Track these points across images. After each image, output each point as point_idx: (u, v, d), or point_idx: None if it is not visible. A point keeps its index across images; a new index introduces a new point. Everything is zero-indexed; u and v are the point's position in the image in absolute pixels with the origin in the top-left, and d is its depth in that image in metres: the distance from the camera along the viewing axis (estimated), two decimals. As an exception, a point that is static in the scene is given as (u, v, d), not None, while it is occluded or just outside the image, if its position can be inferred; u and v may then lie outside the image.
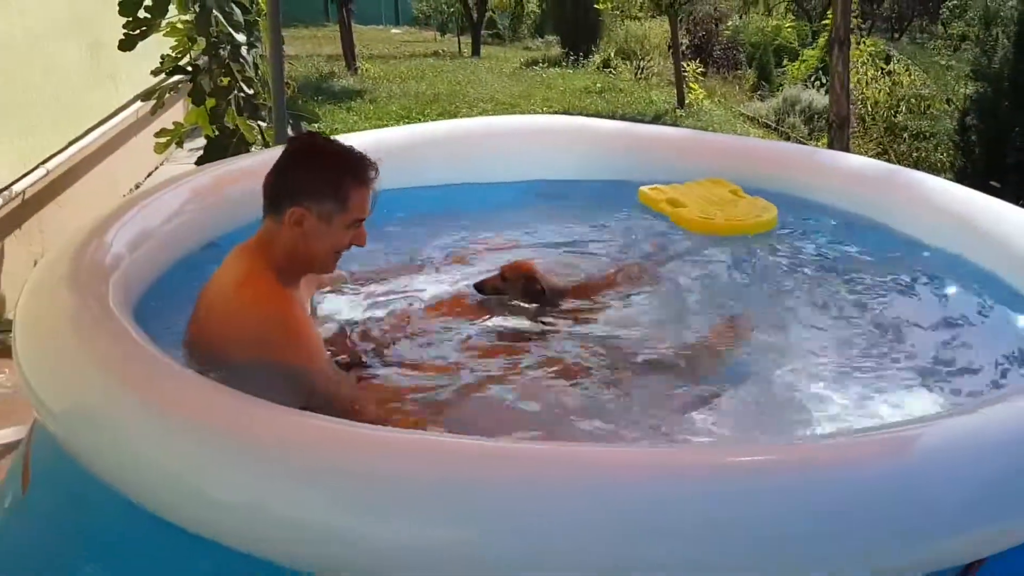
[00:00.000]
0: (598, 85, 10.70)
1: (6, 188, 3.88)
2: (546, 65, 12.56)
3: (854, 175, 3.28)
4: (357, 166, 2.04)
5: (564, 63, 12.58)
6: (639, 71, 11.68)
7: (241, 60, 4.57)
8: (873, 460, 1.52)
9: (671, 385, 2.19)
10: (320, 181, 2.01)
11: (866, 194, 3.19)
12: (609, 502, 1.35)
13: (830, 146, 5.81)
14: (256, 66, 4.73)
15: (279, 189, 2.04)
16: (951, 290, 2.78)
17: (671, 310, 2.59)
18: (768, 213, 3.12)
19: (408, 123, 8.44)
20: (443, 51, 14.19)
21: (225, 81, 4.61)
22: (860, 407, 2.14)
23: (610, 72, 11.89)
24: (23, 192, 4.08)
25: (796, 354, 2.36)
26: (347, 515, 1.38)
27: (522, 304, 2.47)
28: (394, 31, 21.79)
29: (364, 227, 2.08)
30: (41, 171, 4.26)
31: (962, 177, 6.68)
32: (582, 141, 3.72)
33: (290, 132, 4.87)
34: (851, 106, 9.22)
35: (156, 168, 6.25)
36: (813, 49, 13.04)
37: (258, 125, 4.61)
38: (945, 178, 6.99)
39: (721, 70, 12.27)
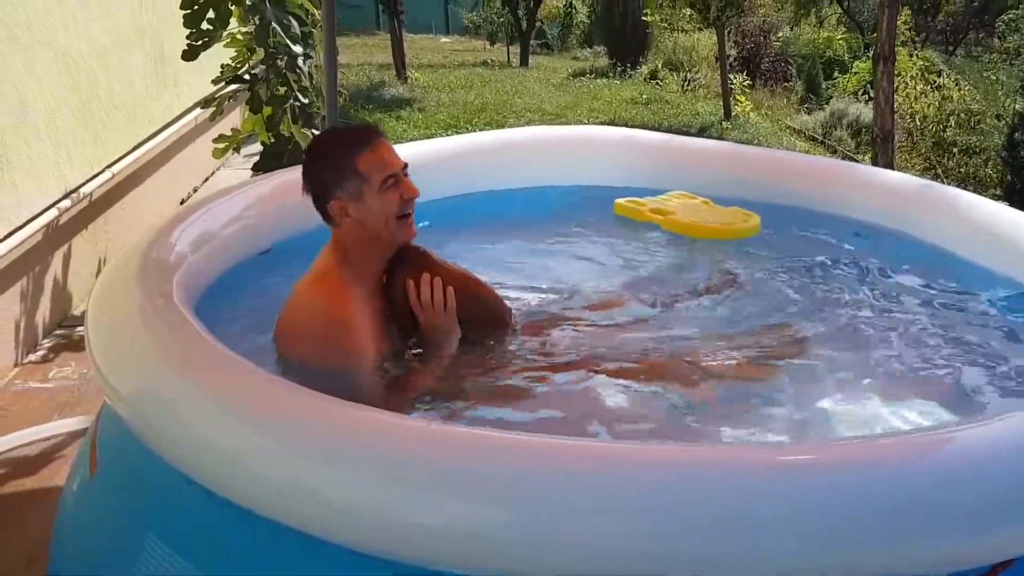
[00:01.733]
0: (644, 96, 10.76)
1: (75, 190, 4.09)
2: (593, 76, 12.66)
3: (889, 191, 3.32)
4: (352, 138, 2.12)
5: (611, 74, 12.67)
6: (686, 83, 11.72)
7: (297, 70, 4.73)
8: (900, 461, 1.55)
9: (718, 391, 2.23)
10: (331, 170, 2.10)
11: (900, 209, 3.24)
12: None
13: (874, 161, 5.82)
14: (311, 76, 4.90)
15: (314, 198, 2.15)
16: (980, 303, 2.81)
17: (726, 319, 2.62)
18: (753, 219, 3.23)
19: (456, 132, 8.60)
20: (492, 60, 14.37)
21: (282, 90, 4.79)
22: (887, 415, 2.20)
23: (657, 83, 11.95)
24: (91, 194, 4.29)
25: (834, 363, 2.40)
26: (384, 495, 1.48)
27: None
28: (444, 40, 22.05)
29: (406, 178, 2.12)
30: (107, 175, 4.46)
31: (1010, 193, 6.63)
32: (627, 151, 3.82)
33: (342, 140, 5.06)
34: (897, 120, 9.20)
35: (213, 173, 6.47)
36: (864, 62, 12.97)
37: (312, 133, 4.77)
38: (992, 195, 6.97)
39: (769, 83, 12.24)
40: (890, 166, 5.56)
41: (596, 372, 2.19)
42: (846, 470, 1.49)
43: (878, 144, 5.64)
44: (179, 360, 1.77)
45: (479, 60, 14.36)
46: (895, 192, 3.34)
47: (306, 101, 4.76)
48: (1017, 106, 7.15)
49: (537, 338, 2.33)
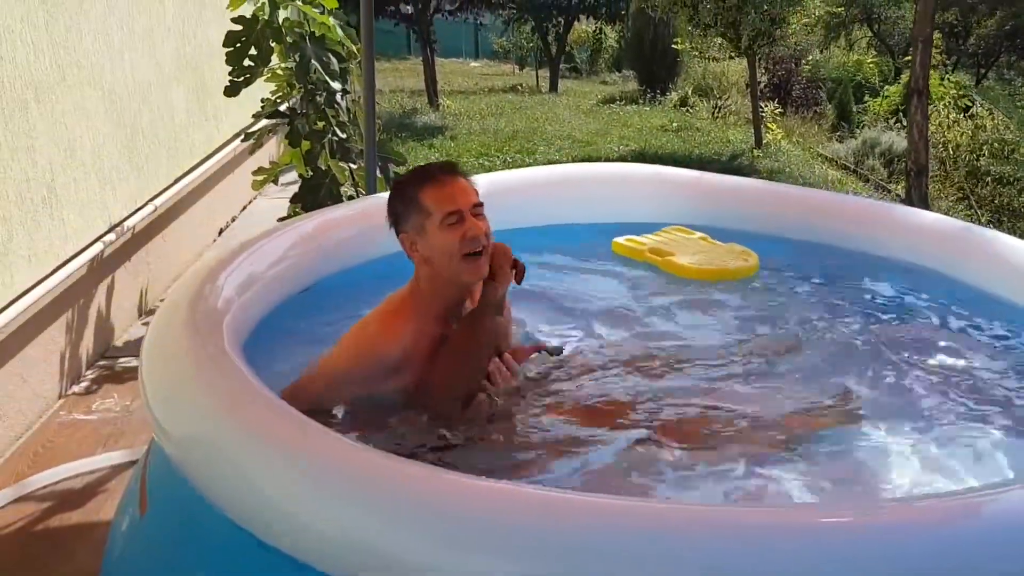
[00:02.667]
0: (674, 123, 10.80)
1: (119, 224, 4.19)
2: (623, 102, 12.72)
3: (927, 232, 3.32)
4: (424, 172, 2.19)
5: (641, 100, 12.72)
6: (716, 110, 11.74)
7: (335, 106, 4.83)
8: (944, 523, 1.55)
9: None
10: (402, 203, 2.17)
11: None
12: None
13: (907, 193, 5.80)
14: (349, 111, 5.00)
15: (393, 229, 2.21)
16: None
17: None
18: (752, 258, 3.23)
19: (487, 159, 8.67)
20: (521, 85, 14.48)
21: (320, 125, 4.89)
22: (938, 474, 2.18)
23: (687, 110, 11.98)
24: (134, 227, 4.40)
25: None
26: (433, 553, 1.51)
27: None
28: (473, 64, 22.28)
29: (472, 217, 2.12)
30: (150, 207, 4.57)
31: (1047, 224, 6.56)
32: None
33: (378, 174, 5.14)
34: (930, 151, 9.15)
35: (250, 201, 6.59)
36: (895, 85, 12.90)
37: (349, 167, 4.86)
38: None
39: (800, 109, 12.22)
40: (924, 199, 5.55)
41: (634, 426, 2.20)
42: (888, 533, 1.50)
43: (912, 178, 5.62)
44: (226, 404, 1.82)
45: (508, 85, 14.50)
46: (932, 233, 3.33)
47: (343, 136, 4.86)
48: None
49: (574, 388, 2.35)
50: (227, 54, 4.53)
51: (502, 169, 7.89)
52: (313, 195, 4.94)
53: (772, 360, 2.54)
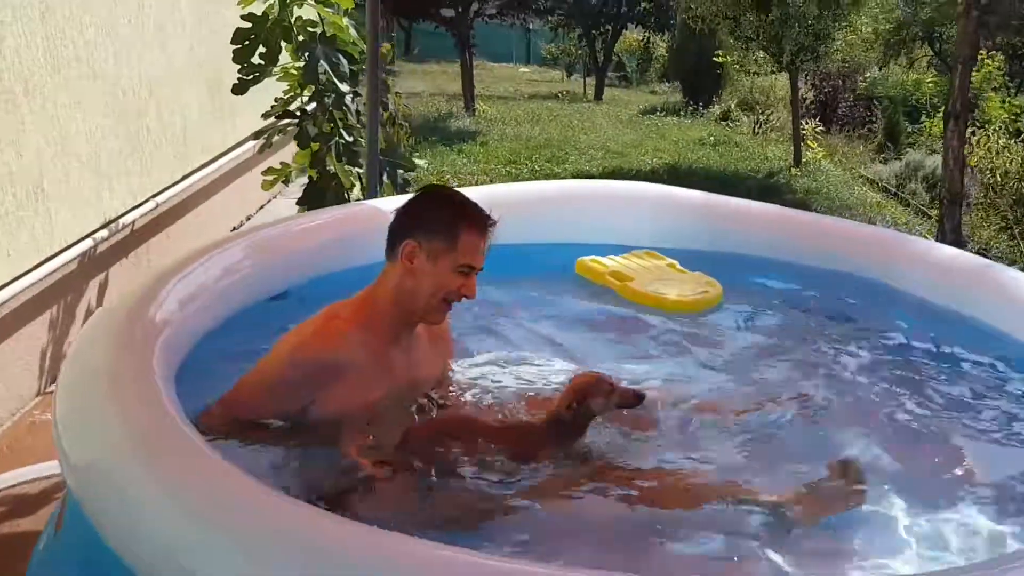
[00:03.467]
0: (712, 137, 10.57)
1: (115, 220, 4.14)
2: (664, 113, 12.51)
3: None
4: (473, 212, 2.16)
5: (683, 112, 12.49)
6: (758, 125, 11.48)
7: (344, 108, 4.74)
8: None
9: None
10: (434, 219, 2.14)
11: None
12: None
13: (940, 223, 5.54)
14: (359, 114, 4.90)
15: (398, 226, 2.18)
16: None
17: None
18: (714, 289, 3.08)
19: (514, 168, 8.55)
20: (568, 92, 14.35)
21: (328, 128, 4.80)
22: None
23: (729, 124, 11.73)
24: (132, 223, 4.35)
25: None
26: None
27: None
28: (523, 69, 22.22)
29: (475, 280, 2.15)
30: (151, 204, 4.52)
31: (1094, 260, 6.23)
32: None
33: (385, 179, 5.04)
34: (976, 175, 8.79)
35: (268, 202, 6.54)
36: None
37: (356, 171, 4.77)
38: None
39: (844, 128, 11.89)
40: (957, 229, 5.29)
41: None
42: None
43: (945, 206, 5.37)
44: (139, 442, 1.70)
45: (555, 91, 14.36)
46: (943, 269, 3.12)
47: (350, 139, 4.77)
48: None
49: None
50: (234, 51, 4.46)
51: (529, 178, 7.77)
52: (319, 198, 4.86)
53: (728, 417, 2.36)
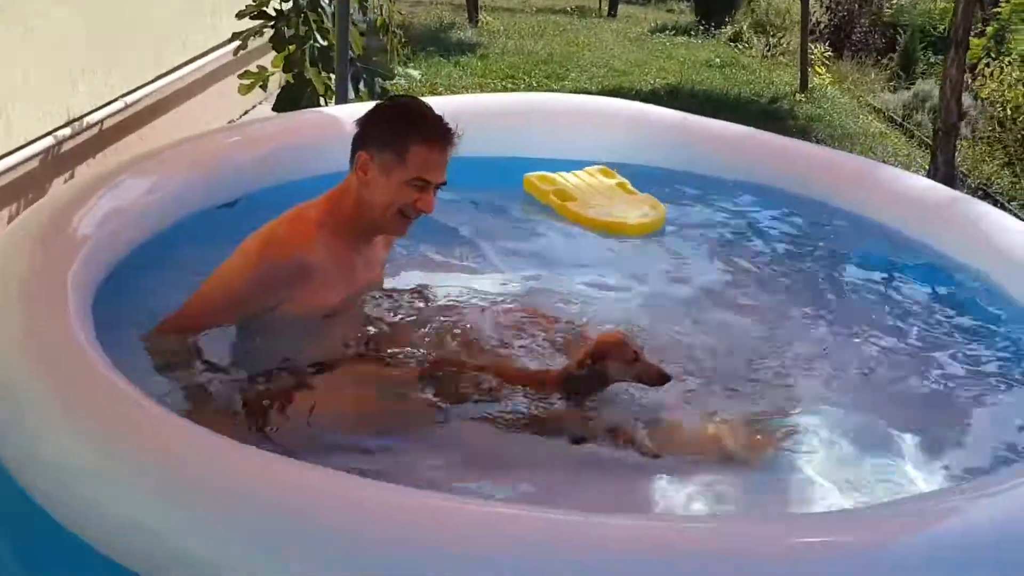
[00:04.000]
0: (719, 59, 10.27)
1: (79, 119, 4.05)
2: (674, 33, 12.14)
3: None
4: (427, 125, 2.13)
5: (694, 32, 12.13)
6: (768, 48, 11.13)
7: (319, 10, 4.60)
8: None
9: None
10: (387, 131, 2.13)
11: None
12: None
13: (934, 155, 5.40)
14: (336, 17, 4.75)
15: (356, 138, 2.19)
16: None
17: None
18: (656, 212, 3.01)
19: (512, 82, 8.34)
20: (584, 6, 13.88)
21: (303, 30, 4.66)
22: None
23: (739, 46, 11.38)
24: (101, 123, 4.26)
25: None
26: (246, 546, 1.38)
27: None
28: (542, -20, 21.52)
29: (433, 194, 2.14)
30: (120, 104, 4.42)
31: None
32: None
33: (362, 87, 4.91)
34: (987, 108, 8.53)
35: (254, 107, 6.39)
36: (980, 39, 11.94)
37: (329, 78, 4.64)
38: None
39: (859, 54, 11.51)
40: (950, 162, 5.15)
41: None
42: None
43: (939, 137, 5.21)
44: (39, 359, 1.66)
45: (572, 4, 13.88)
46: (910, 199, 3.03)
47: (325, 43, 4.63)
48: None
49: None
50: (204, -53, 4.30)
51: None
52: (293, 103, 4.76)
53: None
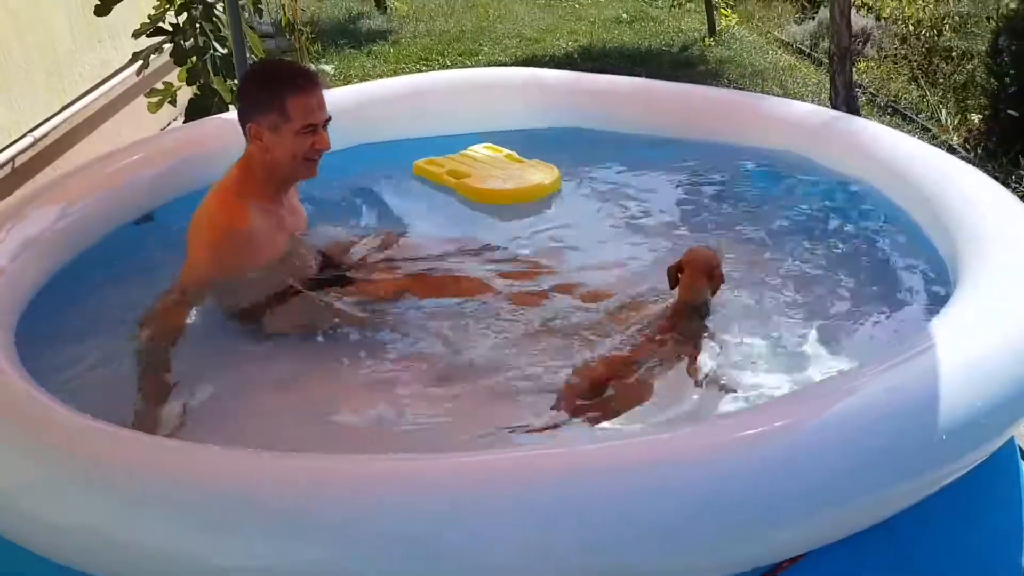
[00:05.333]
0: (627, 15, 10.39)
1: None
2: (584, -8, 12.22)
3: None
4: (290, 78, 2.40)
5: (603, -11, 12.22)
6: (675, -2, 11.28)
7: (214, 19, 4.62)
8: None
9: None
10: (262, 97, 2.41)
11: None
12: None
13: (832, 80, 5.57)
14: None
15: (240, 113, 2.47)
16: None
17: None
18: (551, 175, 3.11)
19: (426, 64, 8.38)
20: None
21: (202, 41, 4.69)
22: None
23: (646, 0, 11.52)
24: (13, 160, 4.27)
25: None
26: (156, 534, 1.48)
27: None
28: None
29: (325, 132, 2.42)
30: (28, 139, 4.42)
31: (995, 102, 6.31)
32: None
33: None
34: (889, 26, 8.76)
35: (167, 126, 6.39)
36: None
37: (233, 86, 4.67)
38: (978, 103, 6.66)
39: (763, -9, 11.70)
40: (848, 84, 5.33)
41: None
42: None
43: (835, 62, 5.39)
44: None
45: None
46: (799, 124, 3.18)
47: (224, 51, 4.66)
48: (1004, 9, 6.76)
49: None
50: (87, -29, 4.31)
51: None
52: (203, 115, 4.77)
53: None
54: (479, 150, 3.36)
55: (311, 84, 2.40)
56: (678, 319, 2.14)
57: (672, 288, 2.19)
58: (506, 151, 3.33)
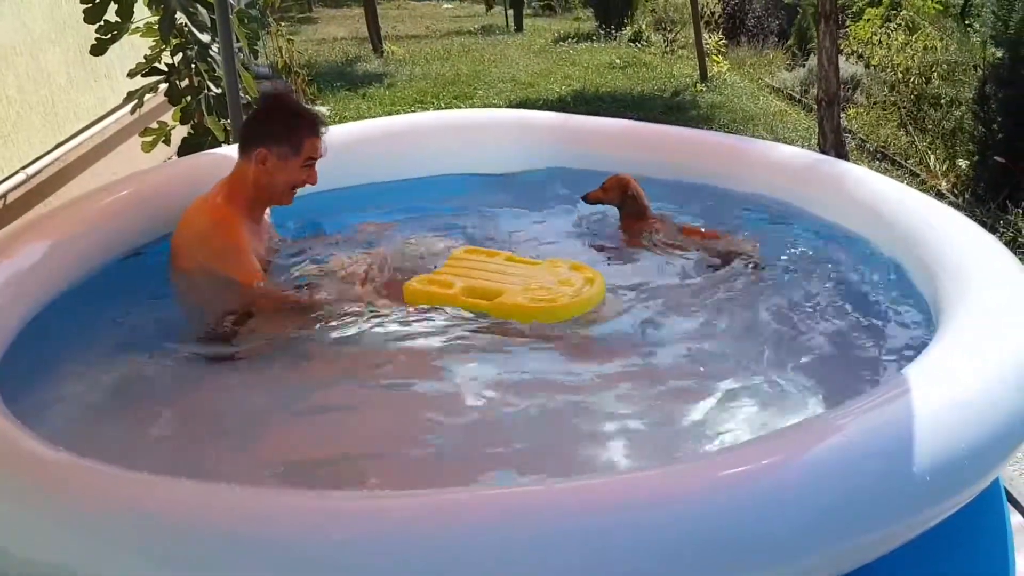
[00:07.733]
0: (621, 60, 10.53)
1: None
2: (577, 40, 12.41)
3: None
4: (311, 121, 2.72)
5: (595, 37, 12.41)
6: (668, 44, 11.44)
7: (209, 60, 4.67)
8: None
9: None
10: (280, 129, 2.68)
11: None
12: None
13: (820, 125, 5.64)
14: (227, 64, 4.82)
15: (250, 133, 2.73)
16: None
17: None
18: (595, 277, 2.65)
19: (422, 107, 8.46)
20: (490, 25, 14.10)
21: (196, 81, 4.73)
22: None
23: (640, 45, 11.68)
24: (5, 196, 4.28)
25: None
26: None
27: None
28: (446, 6, 21.74)
29: (315, 169, 2.72)
30: (21, 176, 4.44)
31: (983, 148, 6.38)
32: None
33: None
34: (878, 74, 8.88)
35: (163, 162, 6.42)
36: (877, 8, 12.28)
37: (226, 125, 4.71)
38: (965, 149, 6.73)
39: (754, 40, 11.89)
40: (837, 130, 5.39)
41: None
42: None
43: (823, 108, 5.45)
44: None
45: (478, 25, 14.11)
46: (784, 167, 3.21)
47: (219, 91, 4.70)
48: (990, 57, 6.86)
49: None
50: (85, 11, 4.36)
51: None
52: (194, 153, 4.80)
53: None
54: (461, 256, 2.76)
55: (324, 127, 2.72)
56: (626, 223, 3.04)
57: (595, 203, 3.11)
58: (504, 254, 2.76)
